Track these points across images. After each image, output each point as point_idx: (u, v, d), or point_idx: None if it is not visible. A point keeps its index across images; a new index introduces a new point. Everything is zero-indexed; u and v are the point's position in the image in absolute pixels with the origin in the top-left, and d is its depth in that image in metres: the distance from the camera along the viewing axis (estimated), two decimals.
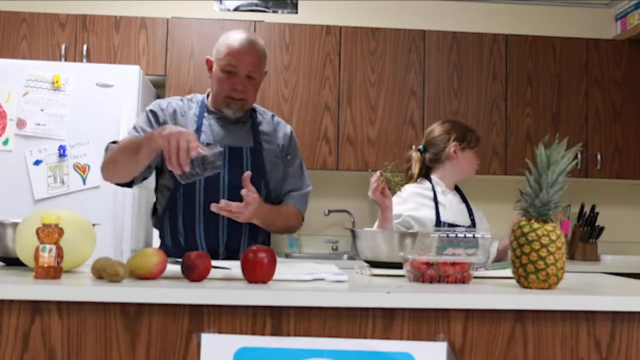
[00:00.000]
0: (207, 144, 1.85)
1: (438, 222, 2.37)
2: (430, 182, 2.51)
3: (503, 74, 3.89)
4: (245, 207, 1.86)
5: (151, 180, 2.17)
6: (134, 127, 2.08)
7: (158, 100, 2.14)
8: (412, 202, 2.43)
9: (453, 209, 2.46)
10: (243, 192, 1.85)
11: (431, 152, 2.54)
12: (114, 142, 2.03)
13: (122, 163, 1.91)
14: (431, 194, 2.47)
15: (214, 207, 1.84)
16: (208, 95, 2.16)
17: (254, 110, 2.16)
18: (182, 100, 2.14)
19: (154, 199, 2.18)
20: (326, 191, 3.94)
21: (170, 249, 2.04)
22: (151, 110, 2.08)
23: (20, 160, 3.12)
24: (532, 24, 4.22)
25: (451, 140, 2.48)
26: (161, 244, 2.13)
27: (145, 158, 1.83)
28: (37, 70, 3.17)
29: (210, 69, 2.10)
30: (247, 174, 1.87)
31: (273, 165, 2.11)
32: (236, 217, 1.87)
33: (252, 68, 2.02)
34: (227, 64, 2.00)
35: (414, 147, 2.62)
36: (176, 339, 1.32)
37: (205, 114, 2.10)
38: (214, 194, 1.99)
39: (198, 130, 2.05)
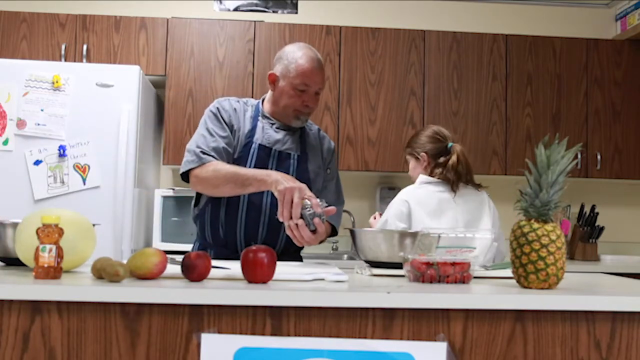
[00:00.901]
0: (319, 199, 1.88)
1: None
2: None
3: (503, 74, 3.89)
4: (316, 238, 1.88)
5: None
6: (208, 131, 2.11)
7: (218, 100, 2.22)
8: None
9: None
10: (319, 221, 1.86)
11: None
12: (205, 153, 2.05)
13: (224, 191, 2.03)
14: None
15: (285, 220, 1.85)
16: (263, 101, 2.26)
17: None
18: (238, 101, 2.23)
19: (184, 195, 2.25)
20: None
21: (208, 242, 2.15)
22: (217, 109, 2.17)
23: (20, 160, 3.12)
24: (532, 24, 4.22)
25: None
26: (198, 237, 2.22)
27: (251, 192, 1.99)
28: (37, 70, 3.17)
29: (273, 82, 2.17)
30: (333, 208, 1.88)
31: (316, 175, 2.21)
32: (299, 241, 1.87)
33: (322, 86, 2.16)
34: (300, 83, 2.10)
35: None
36: (176, 339, 1.32)
37: (260, 118, 2.20)
38: (259, 193, 2.04)
39: (252, 130, 2.16)
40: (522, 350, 1.36)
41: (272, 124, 2.19)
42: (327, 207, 1.85)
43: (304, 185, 1.84)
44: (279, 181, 1.85)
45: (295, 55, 2.12)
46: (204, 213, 2.16)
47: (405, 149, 2.67)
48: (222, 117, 2.15)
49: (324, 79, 2.17)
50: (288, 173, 2.04)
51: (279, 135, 2.18)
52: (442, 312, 1.35)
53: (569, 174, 1.49)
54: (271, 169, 2.09)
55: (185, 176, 2.10)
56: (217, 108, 2.17)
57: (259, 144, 2.13)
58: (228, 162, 2.08)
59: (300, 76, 2.10)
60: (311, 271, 1.62)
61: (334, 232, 2.20)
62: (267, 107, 2.23)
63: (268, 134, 2.17)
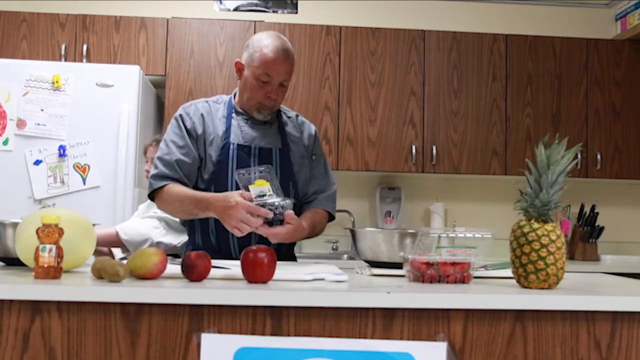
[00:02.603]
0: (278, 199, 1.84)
1: None
2: None
3: (503, 74, 3.88)
4: (298, 230, 1.87)
5: None
6: (165, 142, 2.07)
7: (183, 106, 2.14)
8: None
9: None
10: (288, 214, 1.83)
11: None
12: (158, 176, 2.03)
13: (180, 214, 2.06)
14: None
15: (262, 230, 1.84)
16: (235, 95, 2.17)
17: (278, 110, 2.17)
18: (207, 102, 2.14)
19: None
20: None
21: (200, 248, 2.05)
22: (180, 117, 2.09)
23: (20, 160, 3.12)
24: (532, 24, 4.22)
25: None
26: (190, 242, 2.15)
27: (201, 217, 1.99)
28: (37, 70, 3.17)
29: (239, 71, 2.09)
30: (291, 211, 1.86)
31: (300, 166, 2.12)
32: (272, 237, 1.85)
33: (286, 77, 2.04)
34: (262, 73, 2.01)
35: None
36: (176, 339, 1.32)
37: (234, 115, 2.11)
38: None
39: (227, 131, 2.07)
40: (522, 350, 1.36)
41: (247, 119, 2.10)
42: (283, 200, 1.80)
43: (235, 204, 1.77)
44: (223, 219, 1.82)
45: (261, 43, 2.01)
46: (193, 220, 2.08)
47: None
48: (183, 125, 2.07)
49: (290, 70, 2.04)
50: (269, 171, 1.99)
51: (256, 130, 2.09)
52: (442, 312, 1.35)
53: (569, 174, 1.49)
54: (253, 167, 2.00)
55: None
56: (180, 115, 2.09)
57: (237, 144, 2.04)
58: (184, 174, 2.03)
59: (262, 66, 1.99)
60: (311, 271, 1.62)
61: (330, 217, 2.16)
62: (238, 101, 2.14)
63: (244, 131, 2.08)
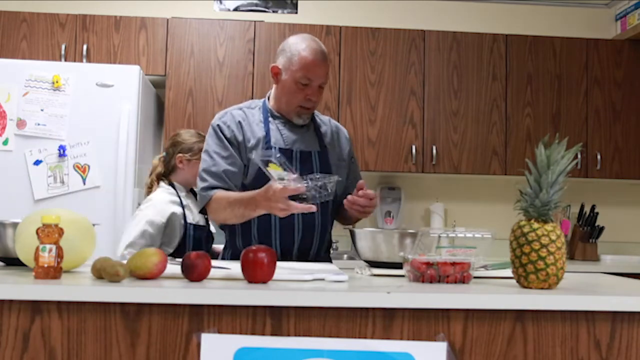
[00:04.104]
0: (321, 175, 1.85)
1: (186, 224, 2.52)
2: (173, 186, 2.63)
3: (503, 74, 3.88)
4: (373, 201, 1.93)
5: None
6: (208, 153, 2.06)
7: (218, 115, 2.13)
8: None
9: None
10: (370, 192, 1.91)
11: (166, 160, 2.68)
12: (207, 188, 2.01)
13: (234, 220, 2.01)
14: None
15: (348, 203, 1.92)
16: (268, 99, 2.17)
17: (312, 113, 2.18)
18: (240, 109, 2.14)
19: None
20: None
21: (240, 249, 2.03)
22: (218, 127, 2.08)
23: (20, 160, 3.12)
24: (532, 24, 4.22)
25: (176, 153, 2.63)
26: (229, 245, 2.14)
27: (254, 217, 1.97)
28: (37, 70, 3.17)
29: (275, 75, 2.09)
30: (363, 182, 1.95)
31: (337, 168, 2.14)
32: (367, 211, 1.93)
33: (325, 79, 2.06)
34: (302, 76, 2.01)
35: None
36: (176, 339, 1.32)
37: (270, 119, 2.11)
38: (291, 197, 1.97)
39: (267, 135, 2.06)
40: (522, 350, 1.36)
41: (284, 123, 2.11)
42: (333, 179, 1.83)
43: (273, 192, 1.77)
44: (270, 210, 1.82)
45: (298, 47, 2.03)
46: (232, 224, 2.07)
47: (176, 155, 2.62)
48: (223, 135, 2.06)
49: (327, 72, 2.06)
50: (312, 172, 1.98)
51: (295, 134, 2.10)
52: (442, 312, 1.35)
53: (569, 174, 1.49)
54: (297, 169, 1.98)
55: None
56: (218, 125, 2.08)
57: (279, 148, 2.04)
58: (233, 184, 2.02)
59: (302, 69, 2.00)
60: (311, 271, 1.62)
61: None
62: (272, 103, 2.14)
63: (285, 134, 2.08)
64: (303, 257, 2.06)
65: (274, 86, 2.13)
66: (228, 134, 2.06)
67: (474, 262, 1.55)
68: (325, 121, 2.23)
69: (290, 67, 2.03)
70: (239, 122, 2.09)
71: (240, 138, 2.06)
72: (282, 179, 1.79)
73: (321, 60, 2.02)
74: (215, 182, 2.01)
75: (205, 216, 2.52)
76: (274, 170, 1.78)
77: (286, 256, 2.03)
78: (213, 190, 2.00)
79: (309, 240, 2.06)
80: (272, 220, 2.02)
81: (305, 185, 1.76)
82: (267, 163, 1.81)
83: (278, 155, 1.85)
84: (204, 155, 2.08)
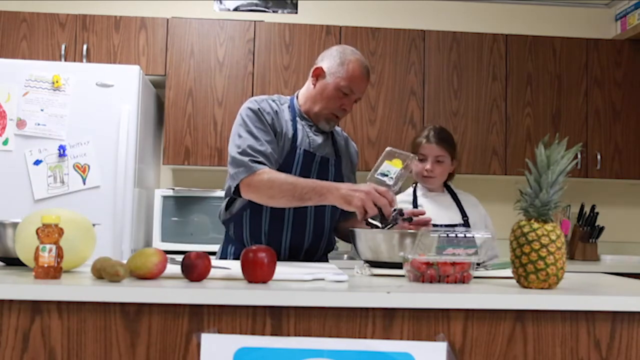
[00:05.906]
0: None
1: None
2: None
3: (503, 74, 3.89)
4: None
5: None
6: (251, 134, 1.96)
7: (256, 99, 2.06)
8: None
9: (435, 210, 2.48)
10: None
11: None
12: (254, 161, 1.90)
13: (280, 203, 1.89)
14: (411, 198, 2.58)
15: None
16: (297, 97, 2.15)
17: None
18: (273, 100, 2.09)
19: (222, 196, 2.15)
20: None
21: (247, 244, 2.02)
22: (259, 110, 2.00)
23: (20, 160, 3.12)
24: (532, 24, 4.22)
25: None
26: (232, 240, 2.10)
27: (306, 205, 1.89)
28: (37, 70, 3.17)
29: (317, 76, 2.07)
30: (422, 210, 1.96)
31: (348, 179, 2.18)
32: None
33: (363, 95, 2.10)
34: (346, 86, 2.02)
35: None
36: (176, 339, 1.31)
37: (297, 119, 2.09)
38: None
39: (295, 135, 2.04)
40: (522, 350, 1.36)
41: (311, 126, 2.09)
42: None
43: (371, 188, 1.73)
44: (349, 196, 1.74)
45: (350, 56, 2.03)
46: (240, 218, 2.05)
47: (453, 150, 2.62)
48: (265, 119, 1.99)
49: (366, 89, 2.10)
50: (327, 179, 1.98)
51: (320, 139, 2.09)
52: (442, 312, 1.35)
53: (569, 174, 1.49)
54: (313, 176, 1.99)
55: (235, 189, 1.94)
56: (259, 109, 2.00)
57: (304, 150, 2.02)
58: (277, 170, 1.94)
59: (349, 79, 2.01)
60: (311, 271, 1.62)
61: None
62: (302, 104, 2.11)
63: (311, 138, 2.07)
64: (310, 257, 2.08)
65: (309, 86, 2.10)
66: (269, 120, 2.01)
67: (474, 262, 1.55)
68: (339, 131, 2.24)
69: (336, 73, 2.03)
70: (276, 112, 2.05)
71: (277, 129, 2.02)
72: (385, 175, 1.75)
73: (367, 76, 2.06)
74: (263, 160, 1.92)
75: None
76: (387, 163, 1.75)
77: (295, 255, 2.04)
78: (262, 165, 1.90)
79: (317, 241, 2.07)
80: (285, 218, 2.00)
81: (393, 213, 1.74)
82: (393, 155, 1.79)
83: (410, 155, 1.84)
84: (243, 134, 1.96)
